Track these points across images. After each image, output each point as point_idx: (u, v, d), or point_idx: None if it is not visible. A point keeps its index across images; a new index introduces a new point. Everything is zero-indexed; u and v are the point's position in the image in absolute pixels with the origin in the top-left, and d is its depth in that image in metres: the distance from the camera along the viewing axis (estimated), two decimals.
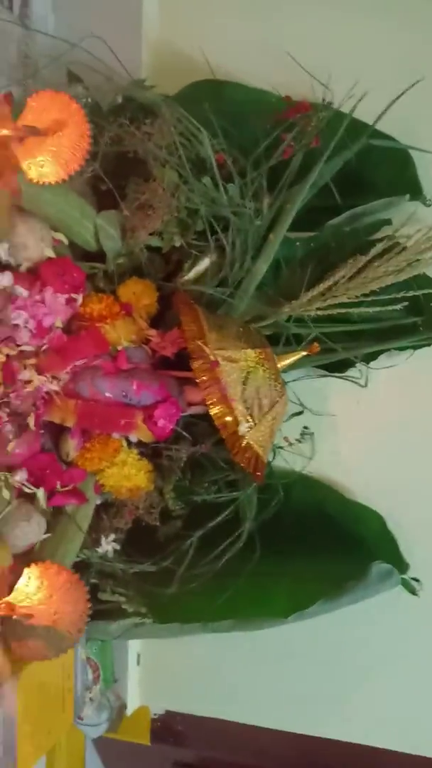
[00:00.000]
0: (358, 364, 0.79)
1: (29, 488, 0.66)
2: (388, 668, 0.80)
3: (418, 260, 0.74)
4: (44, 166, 0.45)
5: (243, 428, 0.66)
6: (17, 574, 0.46)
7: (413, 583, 0.76)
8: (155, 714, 0.90)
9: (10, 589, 0.43)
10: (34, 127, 0.43)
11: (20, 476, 0.66)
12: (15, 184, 0.45)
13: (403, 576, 0.76)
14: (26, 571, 0.44)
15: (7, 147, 0.43)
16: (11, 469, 0.66)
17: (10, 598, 0.41)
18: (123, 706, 0.86)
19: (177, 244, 0.75)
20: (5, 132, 0.42)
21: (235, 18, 0.87)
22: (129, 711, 0.87)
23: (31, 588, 0.43)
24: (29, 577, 0.43)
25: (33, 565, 0.44)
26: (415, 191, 0.77)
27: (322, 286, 0.76)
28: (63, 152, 0.45)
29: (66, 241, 0.70)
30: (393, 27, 0.82)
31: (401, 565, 0.76)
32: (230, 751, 0.89)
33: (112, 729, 0.87)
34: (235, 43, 0.86)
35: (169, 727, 0.90)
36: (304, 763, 0.87)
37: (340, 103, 0.76)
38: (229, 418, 0.65)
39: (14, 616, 0.40)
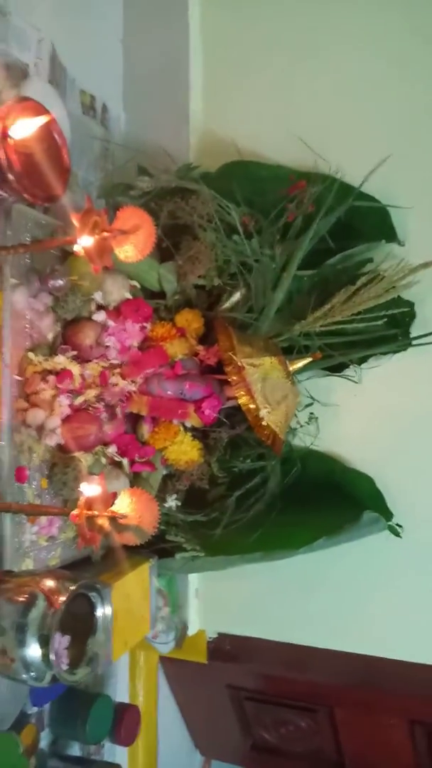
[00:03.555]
0: (352, 366, 1.04)
1: (118, 457, 0.96)
2: (384, 592, 1.04)
3: (393, 287, 0.99)
4: (128, 252, 0.74)
5: (263, 413, 0.93)
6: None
7: (397, 528, 1.01)
8: (210, 638, 1.18)
9: (113, 503, 0.72)
10: (122, 229, 0.73)
11: (111, 449, 0.96)
12: (111, 263, 0.75)
13: (390, 523, 1.01)
14: (122, 492, 0.73)
15: (106, 241, 0.73)
16: (106, 444, 0.95)
17: (113, 508, 0.71)
18: (185, 627, 1.15)
19: (216, 284, 1.03)
20: (105, 234, 0.72)
21: (259, 112, 1.16)
22: (190, 632, 1.15)
23: (125, 502, 0.72)
24: (124, 496, 0.72)
25: (127, 490, 0.73)
26: (390, 236, 1.03)
27: (323, 309, 1.01)
28: (139, 243, 0.74)
29: (138, 286, 1.00)
30: (377, 114, 1.08)
31: (387, 514, 1.01)
32: (269, 665, 1.15)
33: (178, 646, 1.15)
34: (259, 130, 1.15)
35: (221, 648, 1.17)
36: (329, 672, 1.11)
37: (335, 171, 1.03)
38: (252, 405, 0.92)
39: (117, 517, 0.70)
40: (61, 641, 0.66)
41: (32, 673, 0.65)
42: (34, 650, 0.65)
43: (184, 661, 1.21)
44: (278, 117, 1.14)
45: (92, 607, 0.71)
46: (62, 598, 0.66)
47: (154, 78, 1.25)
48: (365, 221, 1.03)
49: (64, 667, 0.65)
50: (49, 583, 0.68)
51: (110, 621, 0.71)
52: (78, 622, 0.71)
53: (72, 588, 0.67)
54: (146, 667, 1.23)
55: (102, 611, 0.70)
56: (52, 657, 0.64)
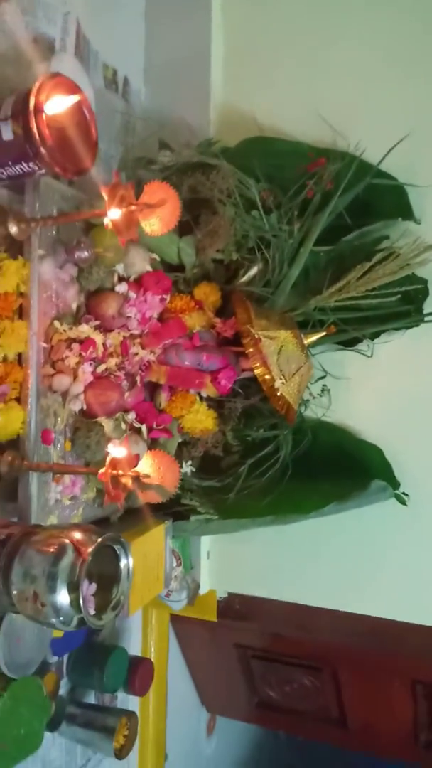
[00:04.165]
0: (365, 341, 1.07)
1: (137, 424, 1.00)
2: (389, 556, 1.09)
3: (408, 264, 1.02)
4: (154, 224, 0.77)
5: (277, 383, 0.97)
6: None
7: (403, 496, 1.05)
8: (220, 597, 1.24)
9: (137, 464, 0.77)
10: (149, 203, 0.76)
11: (131, 416, 1.00)
12: (137, 235, 0.78)
13: (396, 492, 1.05)
14: (146, 454, 0.77)
15: (132, 214, 0.76)
16: (126, 411, 0.99)
17: (137, 469, 0.75)
18: (197, 586, 1.20)
19: (234, 258, 1.05)
20: (133, 207, 0.75)
21: (280, 88, 1.17)
22: (201, 591, 1.21)
23: (148, 463, 0.76)
24: (147, 458, 0.77)
25: (150, 452, 0.77)
26: (407, 214, 1.04)
27: (338, 285, 1.04)
28: (164, 216, 0.77)
29: (159, 259, 1.03)
30: (396, 93, 1.09)
31: (394, 483, 1.05)
32: (277, 625, 1.21)
33: (190, 603, 1.21)
34: (280, 106, 1.16)
35: (230, 607, 1.23)
36: (334, 632, 1.16)
37: (354, 149, 1.05)
38: (267, 376, 0.96)
39: (140, 477, 0.74)
40: (89, 588, 0.71)
41: (61, 618, 0.70)
42: (63, 596, 0.69)
43: (194, 621, 1.27)
44: (299, 93, 1.16)
45: (116, 559, 0.75)
46: (90, 549, 0.71)
47: (176, 52, 1.25)
48: (382, 199, 1.05)
49: (92, 611, 0.70)
50: (77, 535, 0.73)
51: (131, 573, 0.76)
52: (101, 576, 0.75)
53: (99, 540, 0.71)
54: (158, 624, 1.29)
55: (126, 562, 0.75)
56: (81, 602, 0.69)
